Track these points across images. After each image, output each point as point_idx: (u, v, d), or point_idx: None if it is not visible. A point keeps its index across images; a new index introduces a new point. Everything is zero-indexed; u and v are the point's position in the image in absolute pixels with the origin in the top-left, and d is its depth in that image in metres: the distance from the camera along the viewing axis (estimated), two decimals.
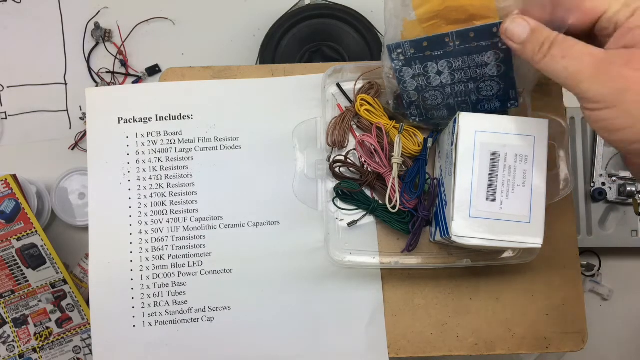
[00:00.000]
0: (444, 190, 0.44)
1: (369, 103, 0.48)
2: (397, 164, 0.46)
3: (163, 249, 0.50)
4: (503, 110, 0.44)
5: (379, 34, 0.62)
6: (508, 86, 0.42)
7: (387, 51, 0.42)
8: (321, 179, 0.49)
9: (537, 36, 0.34)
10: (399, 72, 0.42)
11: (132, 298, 0.49)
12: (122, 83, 0.65)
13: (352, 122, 0.50)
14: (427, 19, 0.39)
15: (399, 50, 0.41)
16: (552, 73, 0.33)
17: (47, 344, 0.57)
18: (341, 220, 0.49)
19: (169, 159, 0.51)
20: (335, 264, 0.48)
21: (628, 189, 0.57)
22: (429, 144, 0.47)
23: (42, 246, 0.56)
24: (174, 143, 0.51)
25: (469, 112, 0.41)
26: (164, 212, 0.50)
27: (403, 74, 0.42)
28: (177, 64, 0.54)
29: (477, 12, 0.38)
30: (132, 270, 0.49)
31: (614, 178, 0.58)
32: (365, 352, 0.48)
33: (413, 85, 0.43)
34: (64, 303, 0.57)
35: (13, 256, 0.56)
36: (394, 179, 0.46)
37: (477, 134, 0.41)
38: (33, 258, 0.57)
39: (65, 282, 0.57)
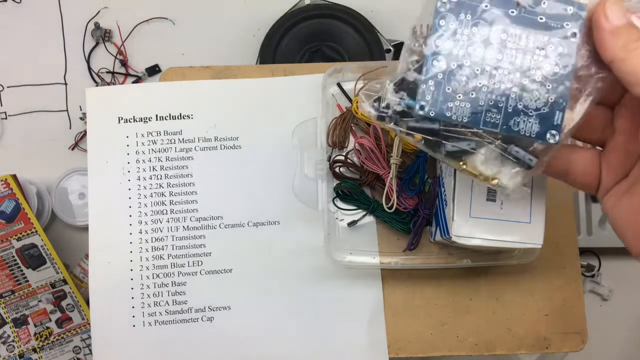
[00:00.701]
0: (444, 190, 0.44)
1: None
2: (395, 164, 0.46)
3: (163, 249, 0.50)
4: (540, 140, 0.31)
5: (379, 34, 0.62)
6: (557, 103, 0.31)
7: None
8: (321, 179, 0.49)
9: (631, 29, 0.29)
10: (440, 18, 0.31)
11: (132, 298, 0.49)
12: (122, 83, 0.65)
13: (352, 123, 0.50)
14: None
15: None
16: (637, 69, 0.28)
17: (47, 344, 0.57)
18: (341, 220, 0.49)
19: (169, 159, 0.51)
20: (335, 264, 0.48)
21: None
22: None
23: (42, 246, 0.56)
24: (174, 143, 0.51)
25: (497, 124, 0.31)
26: (164, 211, 0.50)
27: (444, 25, 0.31)
28: (177, 64, 0.54)
29: None
30: (132, 270, 0.49)
31: None
32: (365, 352, 0.48)
33: (448, 48, 0.31)
34: (64, 303, 0.57)
35: (13, 256, 0.56)
36: (391, 179, 0.46)
37: None
38: (33, 258, 0.57)
39: (65, 282, 0.57)
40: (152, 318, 0.49)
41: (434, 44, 0.31)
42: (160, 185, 0.50)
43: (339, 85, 0.51)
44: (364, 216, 0.49)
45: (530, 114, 0.31)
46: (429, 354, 0.49)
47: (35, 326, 0.57)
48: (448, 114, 0.31)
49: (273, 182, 0.50)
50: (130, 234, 0.50)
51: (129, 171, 0.50)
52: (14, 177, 0.57)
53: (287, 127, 0.51)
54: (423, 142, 0.32)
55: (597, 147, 0.34)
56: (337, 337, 0.49)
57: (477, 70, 0.31)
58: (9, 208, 0.56)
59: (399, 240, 0.49)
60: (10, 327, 0.57)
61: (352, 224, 0.49)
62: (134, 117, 0.51)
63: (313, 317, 0.49)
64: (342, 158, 0.49)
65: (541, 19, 0.30)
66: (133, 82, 0.64)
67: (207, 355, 0.49)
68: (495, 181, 0.32)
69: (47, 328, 0.57)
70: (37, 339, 0.57)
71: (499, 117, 0.31)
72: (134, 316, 0.49)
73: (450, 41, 0.31)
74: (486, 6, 0.31)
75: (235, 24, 0.66)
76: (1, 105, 0.64)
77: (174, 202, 0.50)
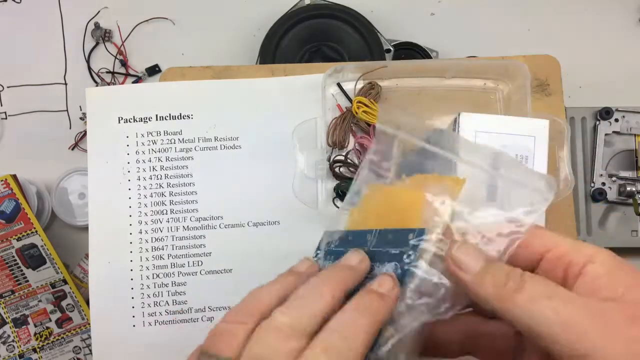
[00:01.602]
0: None
1: (365, 105, 0.48)
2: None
3: (163, 249, 0.49)
4: None
5: (379, 34, 0.62)
6: None
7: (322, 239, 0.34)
8: (321, 179, 0.49)
9: (498, 268, 0.25)
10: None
11: (132, 298, 0.49)
12: (122, 83, 0.65)
13: (352, 123, 0.50)
14: (364, 213, 0.32)
15: (329, 241, 0.34)
16: (531, 317, 0.23)
17: (47, 344, 0.57)
18: None
19: (169, 159, 0.51)
20: None
21: (628, 189, 0.57)
22: None
23: (42, 246, 0.56)
24: (174, 143, 0.51)
25: None
26: (164, 212, 0.50)
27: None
28: (177, 64, 0.54)
29: (404, 211, 0.30)
30: (132, 270, 0.49)
31: (614, 178, 0.58)
32: None
33: None
34: (64, 303, 0.57)
35: (13, 256, 0.56)
36: None
37: (477, 133, 0.41)
38: (33, 258, 0.57)
39: (65, 282, 0.57)
40: (152, 318, 0.49)
41: None
42: (160, 185, 0.50)
43: (339, 85, 0.51)
44: None
45: None
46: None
47: (35, 326, 0.57)
48: None
49: (273, 181, 0.50)
50: (130, 234, 0.50)
51: (129, 171, 0.50)
52: (14, 177, 0.57)
53: (287, 127, 0.50)
54: None
55: None
56: None
57: None
58: (9, 208, 0.56)
59: None
60: (10, 327, 0.57)
61: None
62: (134, 117, 0.51)
63: None
64: (342, 158, 0.49)
65: (386, 249, 0.29)
66: (133, 82, 0.64)
67: None
68: None
69: (47, 328, 0.57)
70: (37, 339, 0.57)
71: None
72: (134, 316, 0.49)
73: None
74: (346, 250, 0.31)
75: (235, 24, 0.66)
76: (1, 105, 0.64)
77: (174, 202, 0.50)
